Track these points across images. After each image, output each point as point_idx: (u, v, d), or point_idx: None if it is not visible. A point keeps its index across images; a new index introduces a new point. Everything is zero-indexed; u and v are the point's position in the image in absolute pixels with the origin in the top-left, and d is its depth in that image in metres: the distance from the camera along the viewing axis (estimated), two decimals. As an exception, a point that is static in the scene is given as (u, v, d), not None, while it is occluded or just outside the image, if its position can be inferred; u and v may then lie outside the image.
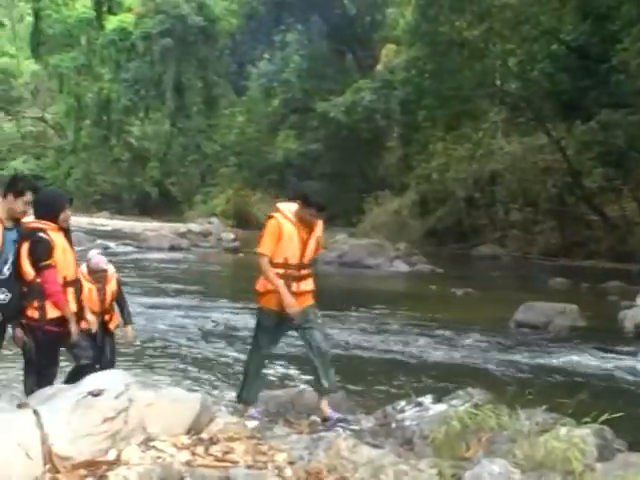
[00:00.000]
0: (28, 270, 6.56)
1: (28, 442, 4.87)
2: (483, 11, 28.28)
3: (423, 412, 6.75)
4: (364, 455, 5.10)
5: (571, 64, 28.30)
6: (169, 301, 17.00)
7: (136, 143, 56.15)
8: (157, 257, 27.28)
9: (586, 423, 5.69)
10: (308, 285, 7.59)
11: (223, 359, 11.44)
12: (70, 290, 6.82)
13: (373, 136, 38.48)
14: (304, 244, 7.44)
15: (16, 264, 6.60)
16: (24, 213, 6.79)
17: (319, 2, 42.24)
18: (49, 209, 6.76)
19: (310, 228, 7.48)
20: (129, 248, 29.52)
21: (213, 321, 14.49)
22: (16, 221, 6.74)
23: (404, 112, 36.48)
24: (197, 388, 8.97)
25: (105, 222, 42.32)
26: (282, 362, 11.23)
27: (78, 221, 41.98)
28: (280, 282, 7.29)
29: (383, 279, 23.16)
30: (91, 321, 7.88)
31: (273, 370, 10.71)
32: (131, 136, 56.03)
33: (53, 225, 6.69)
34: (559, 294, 18.31)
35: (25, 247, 6.60)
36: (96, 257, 8.23)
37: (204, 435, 5.43)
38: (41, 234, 6.59)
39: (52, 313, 6.60)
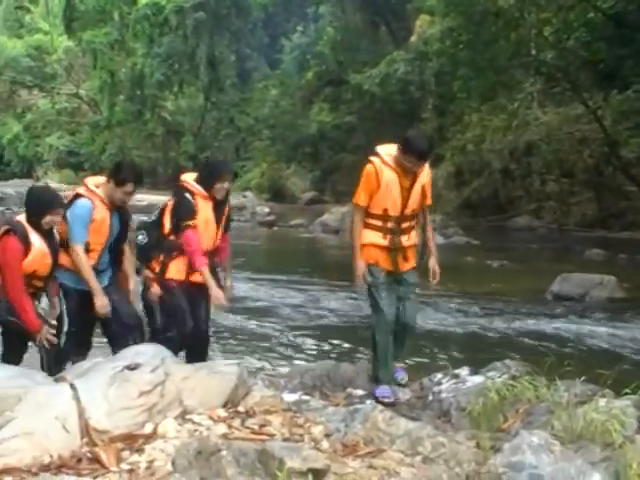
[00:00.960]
0: (166, 224, 6.80)
1: (65, 416, 4.91)
2: (518, -21, 27.93)
3: (460, 384, 6.72)
4: (401, 427, 5.08)
5: (608, 32, 27.86)
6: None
7: (170, 118, 56.27)
8: (192, 231, 27.31)
9: (626, 394, 5.63)
10: (411, 239, 6.95)
11: (258, 332, 11.48)
12: None
13: (407, 108, 38.20)
14: (406, 193, 6.69)
15: (161, 215, 6.91)
16: (123, 202, 6.83)
17: (352, -27, 42.05)
18: (204, 178, 6.78)
19: (413, 174, 6.70)
20: (165, 223, 29.56)
21: (246, 294, 14.50)
22: (118, 208, 6.82)
23: (439, 83, 36.24)
24: (232, 360, 8.99)
25: (140, 197, 42.41)
26: (318, 333, 11.24)
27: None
28: (360, 237, 6.73)
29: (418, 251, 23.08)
30: None
31: (309, 342, 10.72)
32: (165, 111, 56.14)
33: (204, 193, 6.72)
34: (596, 265, 18.17)
35: (171, 203, 6.87)
36: None
37: (240, 408, 5.44)
38: (187, 195, 6.70)
39: (171, 274, 6.76)
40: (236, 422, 5.17)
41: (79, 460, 4.63)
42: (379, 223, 6.71)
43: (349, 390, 7.10)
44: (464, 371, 7.01)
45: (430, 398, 6.71)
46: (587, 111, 28.95)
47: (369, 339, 7.11)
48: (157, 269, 6.82)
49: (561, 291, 14.74)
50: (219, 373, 5.65)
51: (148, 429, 5.02)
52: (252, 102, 51.90)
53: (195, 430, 5.00)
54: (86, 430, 4.91)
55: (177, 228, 6.70)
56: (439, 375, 7.07)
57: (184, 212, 6.66)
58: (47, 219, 6.36)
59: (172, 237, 6.76)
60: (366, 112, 39.94)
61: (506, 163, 31.55)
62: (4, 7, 62.76)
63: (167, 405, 5.20)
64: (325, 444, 4.89)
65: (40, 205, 6.43)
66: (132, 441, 4.86)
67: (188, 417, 5.17)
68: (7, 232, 6.27)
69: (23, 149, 67.02)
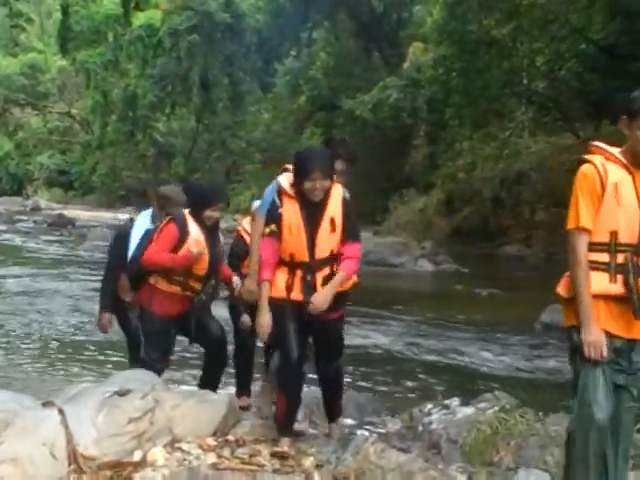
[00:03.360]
0: None
1: (53, 442, 4.86)
2: (511, 9, 28.06)
3: (450, 415, 6.66)
4: (392, 460, 5.05)
5: (600, 63, 28.03)
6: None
7: (162, 139, 56.27)
8: (182, 253, 27.23)
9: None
10: None
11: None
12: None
13: (399, 134, 38.24)
14: None
15: None
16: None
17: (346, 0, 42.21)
18: (295, 173, 5.66)
19: None
20: (154, 244, 29.53)
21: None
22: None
23: (431, 110, 36.32)
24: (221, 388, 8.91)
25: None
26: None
27: (102, 216, 42.26)
28: (588, 280, 4.16)
29: (408, 278, 23.05)
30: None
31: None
32: (157, 132, 56.12)
33: (291, 192, 5.61)
34: (586, 295, 18.15)
35: None
36: None
37: (230, 437, 5.41)
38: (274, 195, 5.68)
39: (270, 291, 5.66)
40: (226, 451, 5.14)
41: (66, 487, 4.59)
42: (604, 257, 4.24)
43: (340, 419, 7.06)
44: (454, 402, 6.95)
45: (420, 429, 6.63)
46: (578, 141, 29.07)
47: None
48: None
49: (551, 321, 14.65)
50: (209, 401, 5.62)
51: (137, 457, 4.98)
52: (244, 125, 51.94)
53: (184, 459, 4.97)
54: (74, 457, 4.86)
55: None
56: (429, 405, 7.00)
57: (267, 216, 5.65)
58: (206, 214, 6.38)
59: None
60: (358, 138, 39.96)
61: (497, 191, 31.62)
62: (-1, 26, 62.93)
63: (156, 433, 5.16)
64: (316, 476, 4.85)
65: (198, 200, 6.49)
66: (120, 469, 4.82)
67: (177, 445, 5.14)
68: (169, 220, 6.43)
69: (14, 167, 67.20)
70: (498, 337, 13.47)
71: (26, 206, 53.00)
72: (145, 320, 6.44)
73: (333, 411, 6.28)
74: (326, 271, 5.58)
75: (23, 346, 11.66)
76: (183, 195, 6.87)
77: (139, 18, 50.93)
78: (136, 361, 6.62)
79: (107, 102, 54.35)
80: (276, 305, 5.56)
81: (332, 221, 5.53)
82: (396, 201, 35.15)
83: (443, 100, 33.44)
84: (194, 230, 6.35)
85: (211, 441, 5.26)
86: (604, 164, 4.25)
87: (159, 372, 6.30)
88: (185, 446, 5.12)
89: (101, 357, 10.79)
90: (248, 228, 7.00)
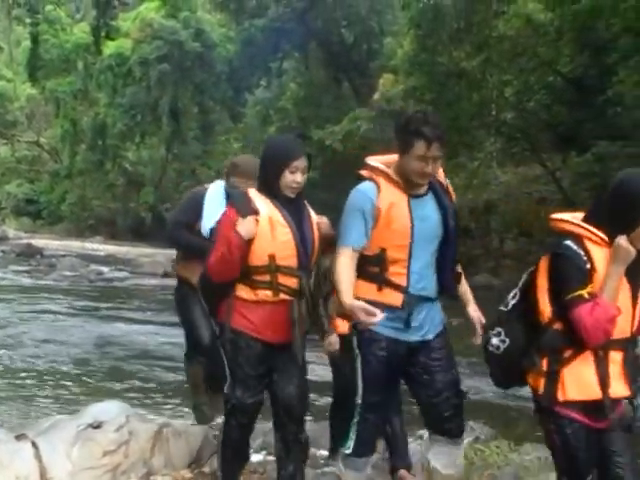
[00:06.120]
0: (543, 305, 3.95)
1: (27, 475, 4.83)
2: (481, 42, 28.38)
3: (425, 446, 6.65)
4: (369, 492, 5.04)
5: (567, 96, 28.40)
6: (159, 328, 16.86)
7: (131, 168, 56.10)
8: (151, 283, 27.15)
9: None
10: None
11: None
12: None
13: (369, 165, 38.32)
14: None
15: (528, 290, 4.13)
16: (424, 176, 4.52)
17: (317, 30, 42.43)
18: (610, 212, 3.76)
19: None
20: (123, 273, 29.40)
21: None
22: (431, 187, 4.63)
23: (401, 141, 36.48)
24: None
25: (99, 247, 42.31)
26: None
27: (71, 245, 41.97)
28: None
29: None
30: None
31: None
32: (126, 161, 55.97)
33: (602, 236, 3.74)
34: (555, 325, 18.24)
35: (544, 266, 3.96)
36: None
37: (206, 469, 5.38)
38: (570, 243, 3.75)
39: (570, 392, 3.79)
40: (202, 484, 5.11)
41: (40, 522, 4.54)
42: None
43: (313, 450, 7.03)
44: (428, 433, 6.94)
45: (395, 460, 6.62)
46: (546, 172, 29.33)
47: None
48: (540, 387, 3.91)
49: (521, 351, 14.76)
50: (184, 433, 5.58)
51: (112, 490, 4.94)
52: (214, 155, 51.92)
53: (159, 492, 4.93)
54: (48, 490, 4.82)
55: (562, 307, 3.76)
56: (404, 436, 6.98)
57: (568, 276, 3.70)
58: (286, 179, 4.63)
59: (557, 326, 3.84)
60: (328, 168, 40.11)
61: (466, 221, 31.73)
62: (-33, 54, 62.75)
63: (131, 465, 5.13)
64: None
65: (269, 163, 4.69)
66: (95, 502, 4.78)
67: (152, 478, 5.11)
68: (227, 206, 4.87)
69: (-19, 197, 66.62)
70: (469, 367, 13.45)
71: (-7, 236, 52.52)
72: (226, 341, 4.70)
73: None
74: None
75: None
76: (254, 165, 5.16)
77: (109, 47, 51.01)
78: (191, 360, 6.12)
79: (76, 131, 54.30)
80: (574, 419, 3.81)
81: None
82: (366, 231, 35.15)
83: (413, 131, 33.62)
84: (263, 206, 4.58)
85: (186, 473, 5.23)
86: None
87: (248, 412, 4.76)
88: (160, 479, 5.09)
89: (73, 388, 10.71)
90: None
